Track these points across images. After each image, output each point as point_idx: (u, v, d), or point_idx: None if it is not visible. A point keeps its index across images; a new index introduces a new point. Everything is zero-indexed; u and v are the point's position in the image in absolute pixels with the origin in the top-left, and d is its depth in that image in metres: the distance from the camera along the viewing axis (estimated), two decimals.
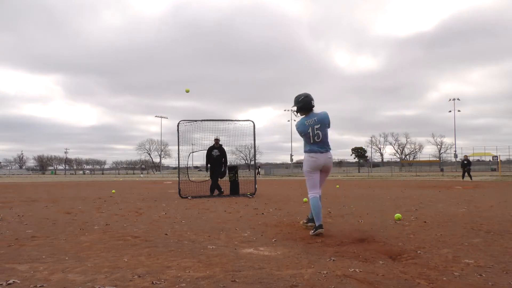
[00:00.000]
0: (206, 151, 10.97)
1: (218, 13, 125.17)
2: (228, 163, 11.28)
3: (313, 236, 4.26)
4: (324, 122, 4.56)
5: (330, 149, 4.60)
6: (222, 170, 10.96)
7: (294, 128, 5.23)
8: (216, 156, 10.83)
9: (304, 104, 4.60)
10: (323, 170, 4.64)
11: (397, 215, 5.58)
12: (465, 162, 23.08)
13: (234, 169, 11.28)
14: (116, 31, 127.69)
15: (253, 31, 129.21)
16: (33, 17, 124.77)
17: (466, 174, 22.78)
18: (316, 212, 4.43)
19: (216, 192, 10.86)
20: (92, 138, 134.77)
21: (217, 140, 10.89)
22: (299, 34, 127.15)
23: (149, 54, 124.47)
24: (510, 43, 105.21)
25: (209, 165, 10.82)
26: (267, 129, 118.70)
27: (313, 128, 4.51)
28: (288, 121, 75.85)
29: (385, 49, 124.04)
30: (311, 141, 4.53)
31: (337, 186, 11.80)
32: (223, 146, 10.99)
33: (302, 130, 4.56)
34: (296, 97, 4.66)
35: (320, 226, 4.37)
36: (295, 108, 4.68)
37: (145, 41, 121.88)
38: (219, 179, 11.00)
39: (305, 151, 4.63)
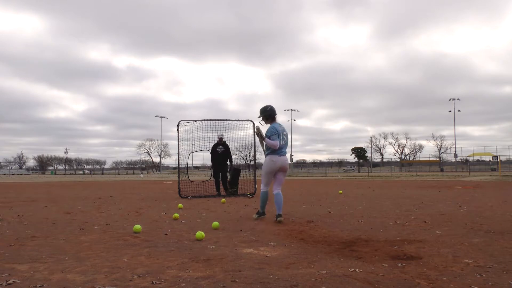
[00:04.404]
0: (210, 149, 10.96)
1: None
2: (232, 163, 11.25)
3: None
4: (286, 132, 5.64)
5: (286, 153, 5.63)
6: (229, 170, 10.97)
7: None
8: (221, 152, 10.84)
9: (271, 113, 5.58)
10: (281, 171, 5.53)
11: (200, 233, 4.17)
12: None
13: (236, 171, 11.24)
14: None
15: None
16: None
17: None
18: (263, 202, 5.70)
19: (222, 190, 10.80)
20: (92, 138, 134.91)
21: (221, 138, 10.89)
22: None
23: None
24: None
25: (213, 162, 10.81)
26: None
27: (282, 134, 5.47)
28: (288, 120, 75.84)
29: None
30: (280, 144, 5.39)
31: (340, 192, 11.75)
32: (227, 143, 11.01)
33: (276, 132, 5.38)
34: (263, 107, 5.63)
35: (264, 213, 5.77)
36: (260, 118, 5.63)
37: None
38: (226, 177, 10.96)
39: (268, 154, 5.47)
